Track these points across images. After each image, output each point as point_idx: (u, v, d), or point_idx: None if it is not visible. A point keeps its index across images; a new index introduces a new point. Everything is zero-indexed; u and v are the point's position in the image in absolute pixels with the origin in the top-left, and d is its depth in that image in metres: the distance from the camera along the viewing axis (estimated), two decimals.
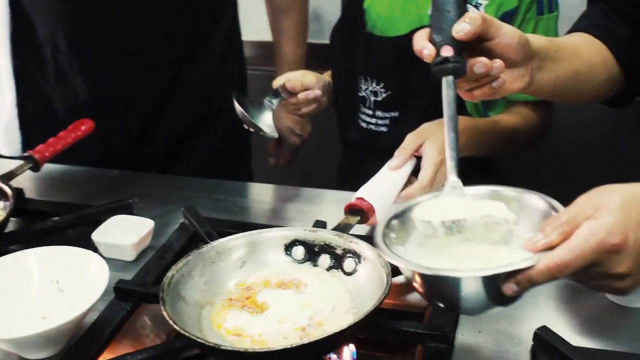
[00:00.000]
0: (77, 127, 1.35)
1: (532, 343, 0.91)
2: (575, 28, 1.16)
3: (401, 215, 0.85)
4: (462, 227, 0.79)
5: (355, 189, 1.17)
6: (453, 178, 0.84)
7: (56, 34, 1.42)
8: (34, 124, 1.52)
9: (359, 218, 1.10)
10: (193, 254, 0.98)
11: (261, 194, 1.39)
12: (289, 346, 0.80)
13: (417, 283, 0.78)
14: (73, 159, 1.43)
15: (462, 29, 0.86)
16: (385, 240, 0.81)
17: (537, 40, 0.96)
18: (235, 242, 1.02)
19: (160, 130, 1.53)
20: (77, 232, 1.22)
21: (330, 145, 2.17)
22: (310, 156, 1.90)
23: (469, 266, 0.76)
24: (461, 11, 0.88)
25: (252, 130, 1.26)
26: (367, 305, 0.92)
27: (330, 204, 1.30)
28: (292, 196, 1.36)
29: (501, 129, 1.34)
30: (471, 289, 0.73)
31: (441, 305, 0.80)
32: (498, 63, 0.89)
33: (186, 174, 1.48)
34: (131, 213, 1.25)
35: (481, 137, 1.29)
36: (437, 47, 0.87)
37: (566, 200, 0.78)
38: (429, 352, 0.90)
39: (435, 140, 1.18)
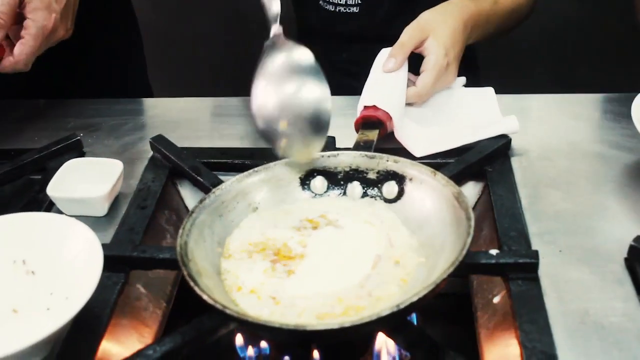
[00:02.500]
0: None
1: (626, 257, 0.77)
2: None
3: None
4: None
5: None
6: None
7: None
8: None
9: (378, 131, 0.91)
10: (197, 209, 0.76)
11: (231, 110, 1.13)
12: (415, 298, 0.61)
13: None
14: None
15: None
16: None
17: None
18: (241, 185, 0.81)
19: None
20: (15, 188, 0.96)
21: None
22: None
23: None
24: None
25: None
26: (431, 236, 0.75)
27: None
28: None
29: (501, 11, 1.16)
30: None
31: None
32: None
33: (85, 95, 1.20)
34: (82, 153, 0.99)
35: (484, 23, 1.12)
36: None
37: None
38: (515, 286, 0.74)
39: (439, 38, 1.00)
